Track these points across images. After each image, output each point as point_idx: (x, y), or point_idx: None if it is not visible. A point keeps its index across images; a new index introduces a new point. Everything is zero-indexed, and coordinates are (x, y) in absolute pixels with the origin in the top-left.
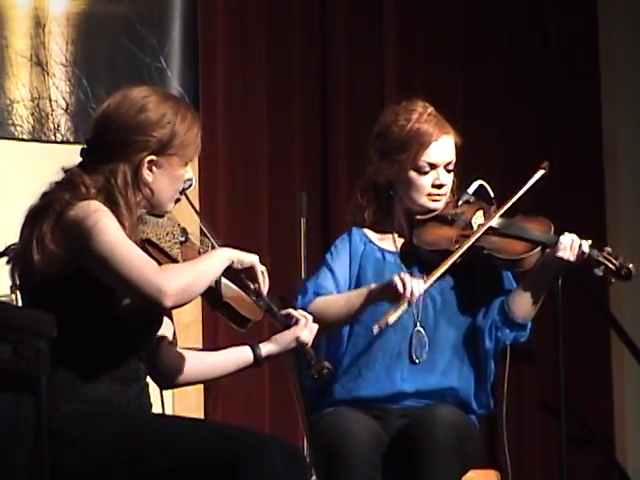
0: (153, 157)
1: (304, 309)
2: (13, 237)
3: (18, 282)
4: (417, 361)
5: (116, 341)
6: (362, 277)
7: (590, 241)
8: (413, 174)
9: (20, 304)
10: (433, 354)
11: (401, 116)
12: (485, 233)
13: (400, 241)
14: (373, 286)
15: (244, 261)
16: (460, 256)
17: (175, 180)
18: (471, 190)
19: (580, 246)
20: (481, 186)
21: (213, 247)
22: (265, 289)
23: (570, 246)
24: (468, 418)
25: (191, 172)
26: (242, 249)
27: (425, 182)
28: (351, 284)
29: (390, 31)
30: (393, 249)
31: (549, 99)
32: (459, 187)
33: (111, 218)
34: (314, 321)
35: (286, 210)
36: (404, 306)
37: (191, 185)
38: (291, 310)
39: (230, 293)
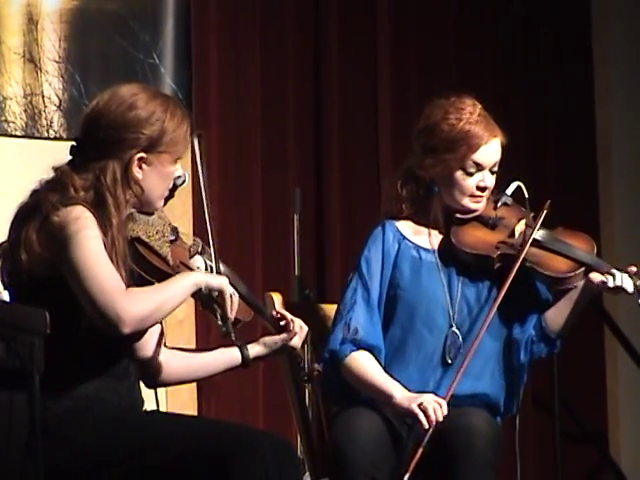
0: (143, 154)
1: (339, 359)
2: (5, 234)
3: (8, 280)
4: (450, 362)
5: (105, 339)
6: (399, 277)
7: (635, 268)
8: (459, 174)
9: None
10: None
11: (451, 115)
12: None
13: (436, 238)
14: (398, 398)
15: (213, 286)
16: (506, 291)
17: (165, 177)
18: (509, 191)
19: (625, 289)
20: (518, 187)
21: (201, 250)
22: (232, 314)
23: (615, 288)
24: (497, 424)
25: (181, 169)
26: (235, 246)
27: (470, 183)
28: (382, 287)
29: (383, 32)
30: (429, 246)
31: (542, 98)
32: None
33: (92, 227)
34: (345, 375)
35: (280, 206)
36: (428, 435)
37: (184, 182)
38: (284, 312)
39: None
